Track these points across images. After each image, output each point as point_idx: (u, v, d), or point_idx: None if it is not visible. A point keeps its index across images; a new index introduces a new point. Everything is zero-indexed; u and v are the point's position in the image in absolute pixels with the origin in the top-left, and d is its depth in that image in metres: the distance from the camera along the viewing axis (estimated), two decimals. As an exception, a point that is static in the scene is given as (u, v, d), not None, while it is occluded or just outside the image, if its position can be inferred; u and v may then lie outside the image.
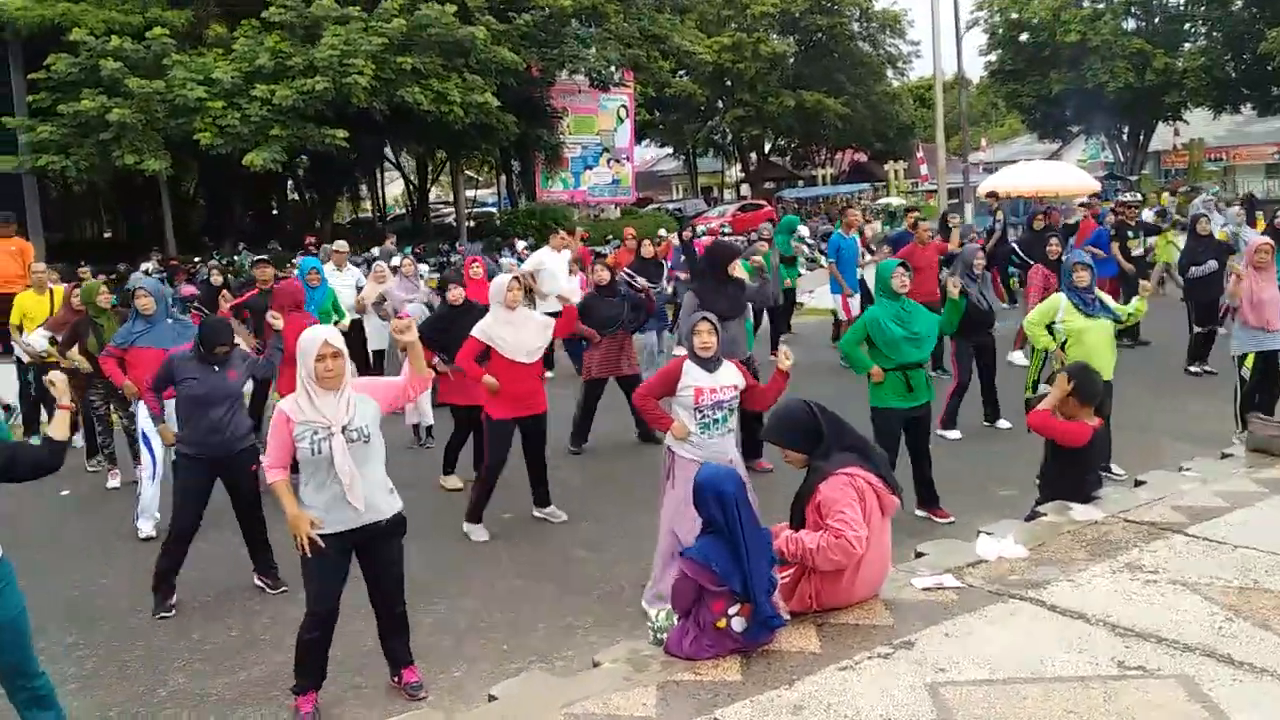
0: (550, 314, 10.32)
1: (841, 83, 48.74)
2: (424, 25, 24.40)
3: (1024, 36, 40.39)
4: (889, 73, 54.18)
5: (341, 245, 12.50)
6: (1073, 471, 5.13)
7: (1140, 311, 7.24)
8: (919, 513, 6.42)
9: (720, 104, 48.08)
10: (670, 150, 57.47)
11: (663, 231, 24.63)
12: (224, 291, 10.66)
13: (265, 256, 11.07)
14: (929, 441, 6.50)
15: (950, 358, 9.22)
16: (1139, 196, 15.96)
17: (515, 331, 6.54)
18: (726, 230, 33.31)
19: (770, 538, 3.74)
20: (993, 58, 42.63)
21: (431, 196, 47.40)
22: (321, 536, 4.14)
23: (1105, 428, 6.87)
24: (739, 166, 57.09)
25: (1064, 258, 7.50)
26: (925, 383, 6.40)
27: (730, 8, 45.67)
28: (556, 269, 12.16)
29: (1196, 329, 10.68)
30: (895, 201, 33.21)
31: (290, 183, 38.80)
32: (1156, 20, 38.60)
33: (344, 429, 4.13)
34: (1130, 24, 38.64)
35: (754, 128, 48.38)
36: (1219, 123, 42.60)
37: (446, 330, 7.47)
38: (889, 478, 3.95)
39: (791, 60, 49.29)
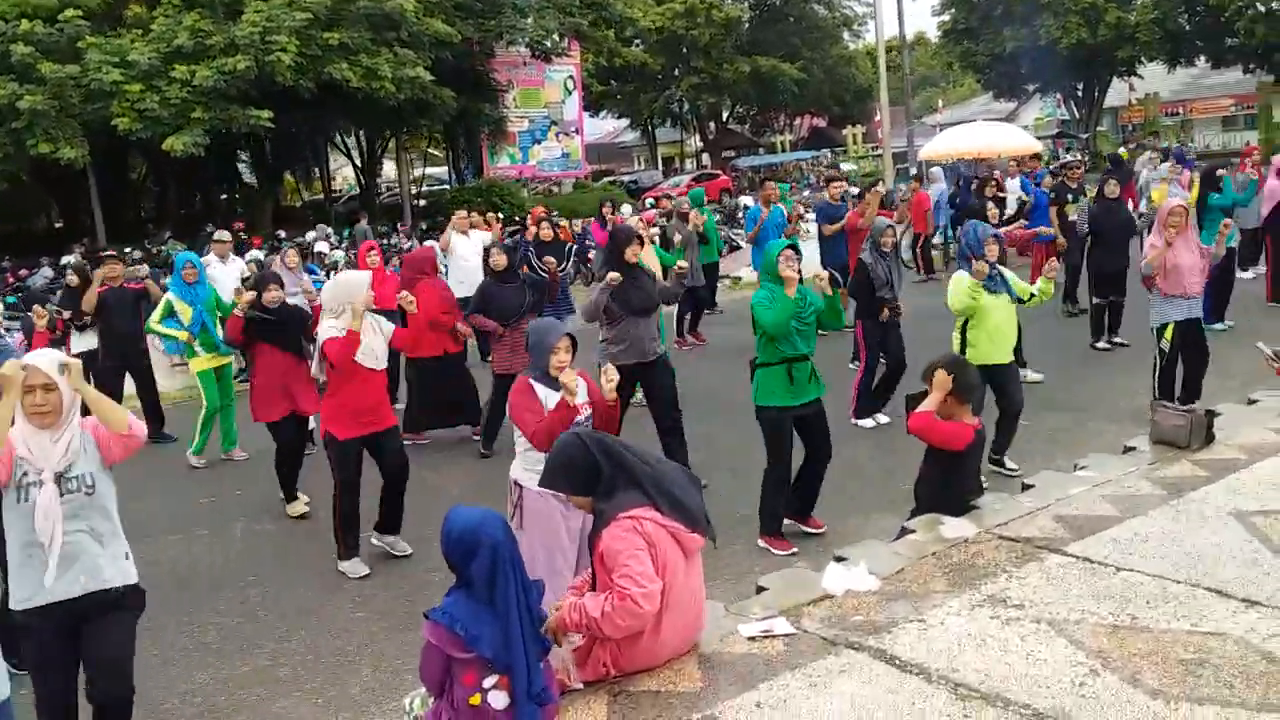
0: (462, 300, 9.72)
1: (797, 47, 47.99)
2: (350, -1, 23.55)
3: (977, -5, 39.71)
4: (845, 35, 53.43)
5: (223, 235, 11.77)
6: (951, 479, 4.58)
7: (1046, 294, 6.71)
8: (787, 521, 5.82)
9: (676, 72, 47.16)
10: (628, 122, 56.47)
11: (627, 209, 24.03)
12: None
13: (113, 251, 10.35)
14: (827, 441, 5.83)
15: (857, 340, 8.61)
16: (1081, 157, 15.35)
17: (364, 336, 5.79)
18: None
19: (540, 593, 3.14)
20: (946, 17, 41.92)
21: (389, 175, 46.49)
22: (33, 612, 3.48)
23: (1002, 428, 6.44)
24: (698, 136, 56.24)
25: (965, 229, 6.85)
26: (812, 377, 5.71)
27: (683, -28, 44.65)
28: (467, 254, 11.43)
29: (1095, 300, 10.11)
30: (848, 167, 32.63)
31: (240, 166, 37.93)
32: (1109, -26, 37.92)
33: (59, 477, 3.47)
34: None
35: (710, 95, 47.51)
36: (1175, 77, 42.11)
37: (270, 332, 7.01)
38: (691, 512, 3.33)
39: (746, 25, 48.45)
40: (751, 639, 3.50)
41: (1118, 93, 42.52)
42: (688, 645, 3.41)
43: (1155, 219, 7.48)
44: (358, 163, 36.93)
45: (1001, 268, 6.67)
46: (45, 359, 3.49)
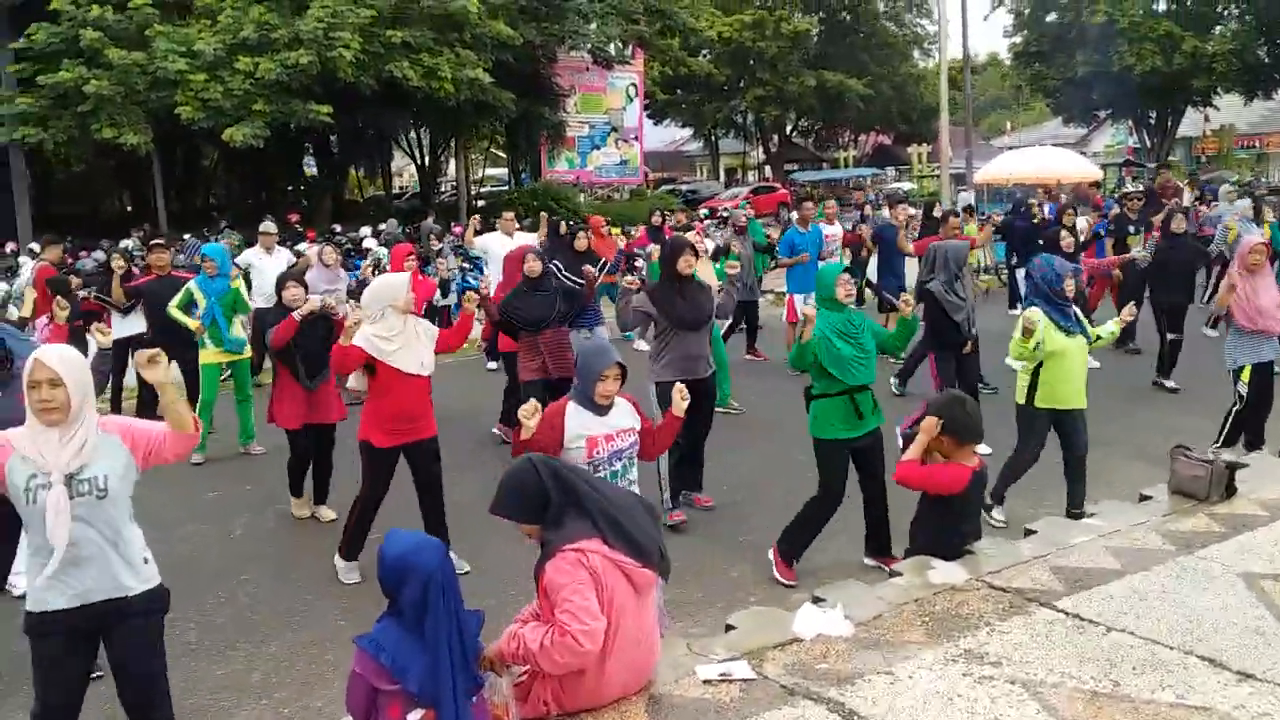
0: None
1: (865, 63, 47.57)
2: (414, -2, 23.72)
3: (1051, 17, 39.00)
4: (915, 53, 52.84)
5: (268, 226, 11.82)
6: (946, 521, 4.38)
7: (1113, 336, 6.40)
8: (868, 561, 5.53)
9: (741, 84, 46.92)
10: (691, 131, 56.33)
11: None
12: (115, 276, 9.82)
13: (161, 240, 10.37)
14: (884, 473, 5.57)
15: (931, 372, 8.25)
16: (1139, 189, 14.81)
17: (406, 340, 5.60)
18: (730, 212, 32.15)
19: (479, 624, 3.02)
20: (1018, 39, 41.25)
21: (454, 174, 46.80)
22: (40, 617, 3.33)
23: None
24: (761, 148, 55.93)
25: (1039, 264, 6.17)
26: (874, 407, 5.48)
27: (753, -15, 44.51)
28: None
29: (1170, 335, 9.74)
30: (906, 186, 32.17)
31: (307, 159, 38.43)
32: (1188, 2, 37.07)
33: (70, 478, 3.26)
34: (1161, 5, 37.17)
35: (774, 108, 47.18)
36: (1251, 109, 41.05)
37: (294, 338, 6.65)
38: (641, 545, 3.16)
39: (815, 39, 48.09)
40: (708, 682, 3.34)
41: (1192, 123, 41.54)
42: (638, 684, 3.26)
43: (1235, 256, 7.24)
44: (419, 161, 37.18)
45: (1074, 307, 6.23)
46: (53, 354, 3.31)
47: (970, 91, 29.43)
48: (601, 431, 4.13)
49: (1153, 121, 40.14)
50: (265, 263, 11.13)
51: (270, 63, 22.02)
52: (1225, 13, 37.27)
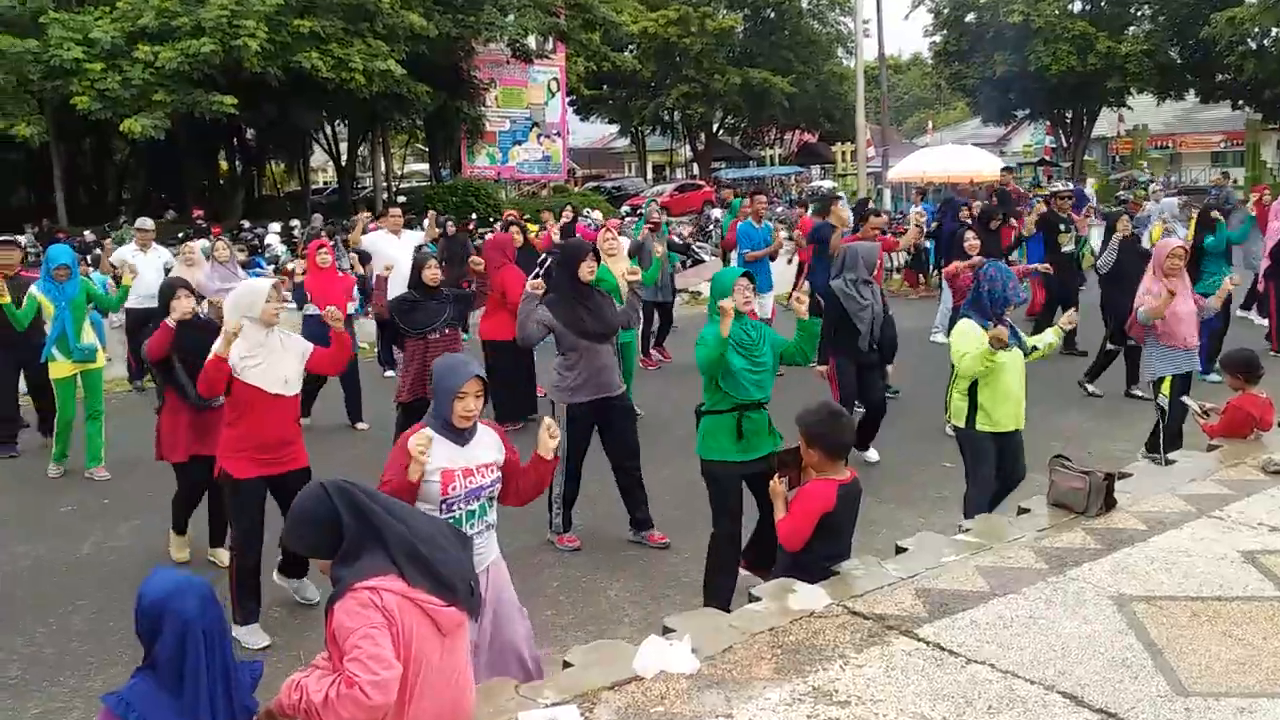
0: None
1: (789, 61, 47.65)
2: (324, -14, 23.10)
3: (970, 17, 39.43)
4: (839, 51, 53.05)
5: (144, 223, 11.25)
6: (815, 540, 4.11)
7: (1053, 348, 5.90)
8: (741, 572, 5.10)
9: (667, 80, 46.73)
10: (618, 127, 56.05)
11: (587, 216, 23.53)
12: None
13: (11, 238, 9.78)
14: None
15: (829, 376, 7.87)
16: (1069, 188, 14.81)
17: (268, 355, 5.02)
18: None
19: (254, 679, 2.67)
20: (938, 38, 41.66)
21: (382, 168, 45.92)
22: None
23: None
24: (688, 145, 55.83)
25: (992, 275, 5.62)
26: (767, 428, 5.05)
27: (677, -20, 44.30)
28: (397, 257, 10.83)
29: (1110, 346, 9.54)
30: (827, 184, 32.25)
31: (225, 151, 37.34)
32: (1103, 3, 37.73)
33: None
34: (1076, 6, 37.78)
35: (700, 105, 47.06)
36: (1166, 110, 41.97)
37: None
38: (447, 581, 2.82)
39: (740, 36, 48.06)
40: (528, 729, 3.03)
41: (1108, 123, 42.31)
42: (448, 735, 2.94)
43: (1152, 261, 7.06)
44: (335, 155, 36.36)
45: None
46: None
47: (887, 90, 29.53)
48: (460, 465, 3.69)
49: (1069, 121, 40.80)
50: (140, 261, 10.58)
51: (171, 51, 21.30)
52: (1139, 14, 37.98)
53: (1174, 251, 6.83)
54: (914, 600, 3.80)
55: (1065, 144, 41.02)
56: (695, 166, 54.02)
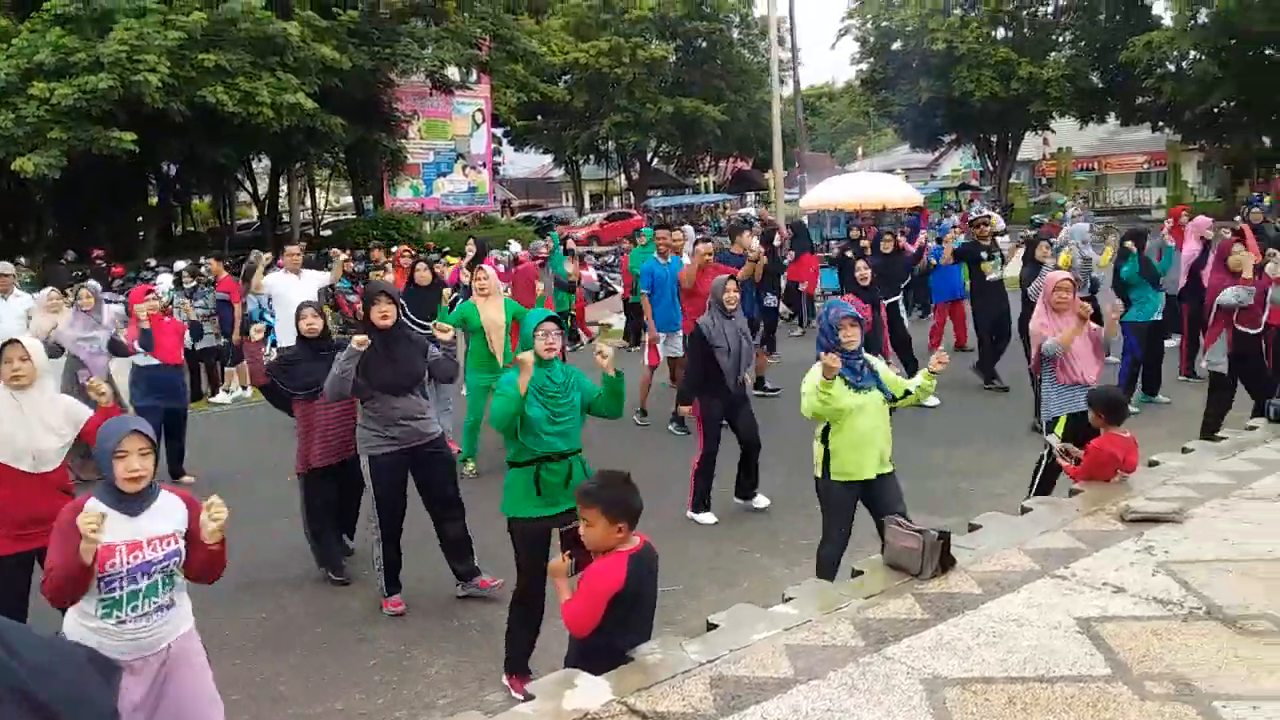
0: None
1: (721, 90, 47.80)
2: (230, 19, 22.51)
3: (896, 45, 39.73)
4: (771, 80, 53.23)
5: (4, 268, 10.61)
6: (608, 621, 3.66)
7: (926, 391, 5.51)
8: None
9: (601, 110, 46.60)
10: (552, 157, 55.85)
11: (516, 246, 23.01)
12: None
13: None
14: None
15: (695, 420, 7.43)
16: (985, 212, 14.52)
17: (15, 424, 4.51)
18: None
19: None
20: (864, 66, 41.93)
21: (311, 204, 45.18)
22: None
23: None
24: (623, 175, 55.77)
25: (825, 308, 5.46)
26: (567, 481, 4.68)
27: (608, 11, 44.26)
28: (297, 298, 10.08)
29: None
30: (752, 212, 32.09)
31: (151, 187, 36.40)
32: (1025, 30, 38.21)
33: None
34: (1000, 33, 38.21)
35: (633, 134, 47.02)
36: (1090, 133, 42.55)
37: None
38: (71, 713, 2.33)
39: (672, 66, 48.08)
40: None
41: (1034, 146, 42.79)
42: None
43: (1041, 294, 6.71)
44: (253, 190, 35.63)
45: (871, 358, 5.45)
46: None
47: (802, 118, 29.54)
48: (124, 538, 3.26)
49: (994, 146, 41.20)
50: (1, 307, 10.00)
51: (68, 88, 20.58)
52: (1060, 39, 38.50)
53: (1059, 285, 6.47)
54: (705, 693, 3.37)
55: (991, 168, 41.38)
56: (632, 195, 53.88)
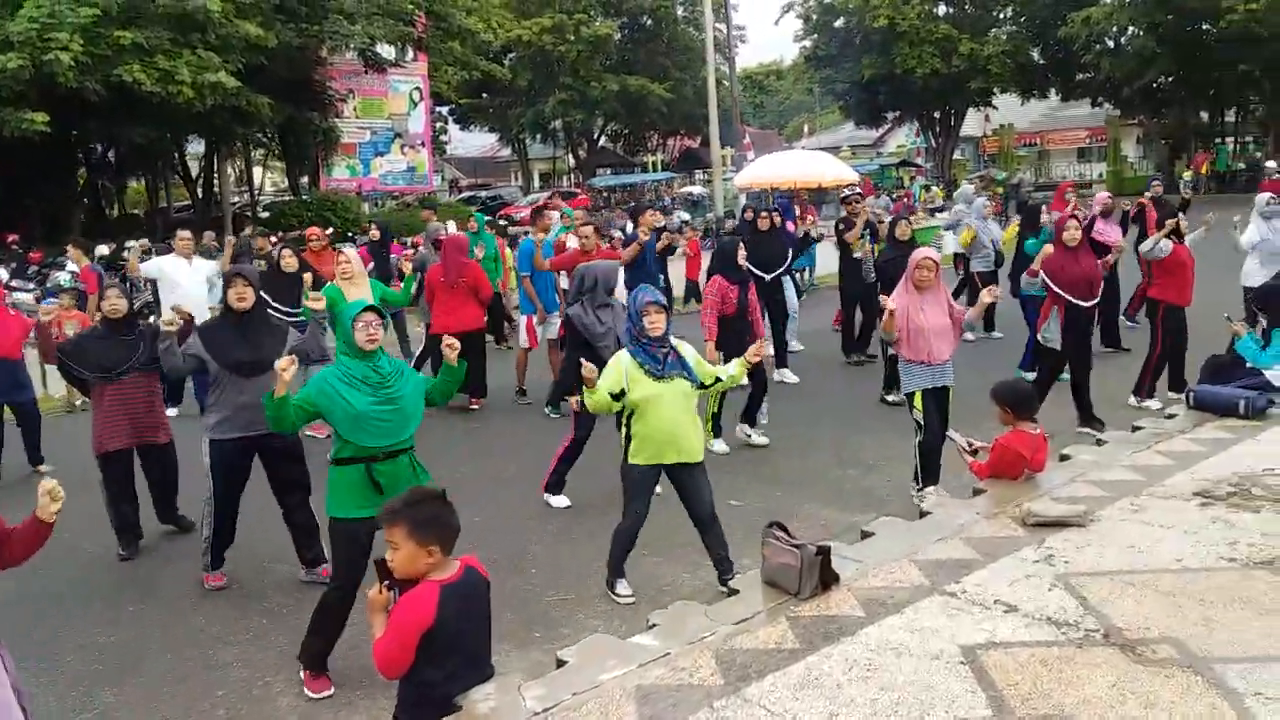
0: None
1: (667, 67, 47.22)
2: (148, -5, 21.66)
3: (839, 22, 39.42)
4: (717, 58, 52.68)
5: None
6: (428, 666, 3.21)
7: (737, 380, 5.35)
8: None
9: (545, 88, 45.87)
10: (498, 136, 55.06)
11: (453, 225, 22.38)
12: None
13: None
14: None
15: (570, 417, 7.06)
16: (856, 191, 13.87)
17: None
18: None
19: None
20: (808, 43, 41.60)
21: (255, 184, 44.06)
22: None
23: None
24: (570, 154, 55.16)
25: (633, 293, 5.21)
26: (410, 477, 4.39)
27: (552, -12, 43.51)
28: (186, 283, 9.66)
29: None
30: (697, 190, 31.77)
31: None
32: (966, 6, 38.08)
33: None
34: (941, 9, 38.04)
35: (579, 112, 46.39)
36: (1033, 109, 42.59)
37: None
38: None
39: (617, 44, 47.44)
40: None
41: (978, 123, 42.78)
42: None
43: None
44: (184, 171, 34.64)
45: (679, 343, 5.21)
46: None
47: (738, 94, 29.14)
48: None
49: (937, 122, 41.11)
50: None
51: (-27, 67, 19.64)
52: (1000, 16, 38.42)
53: (922, 263, 6.15)
54: (539, 745, 2.99)
55: (935, 144, 41.30)
56: (579, 174, 53.28)
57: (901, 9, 35.27)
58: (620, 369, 5.02)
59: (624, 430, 5.13)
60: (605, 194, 40.17)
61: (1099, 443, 5.87)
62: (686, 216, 27.08)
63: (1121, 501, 4.77)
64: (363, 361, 4.36)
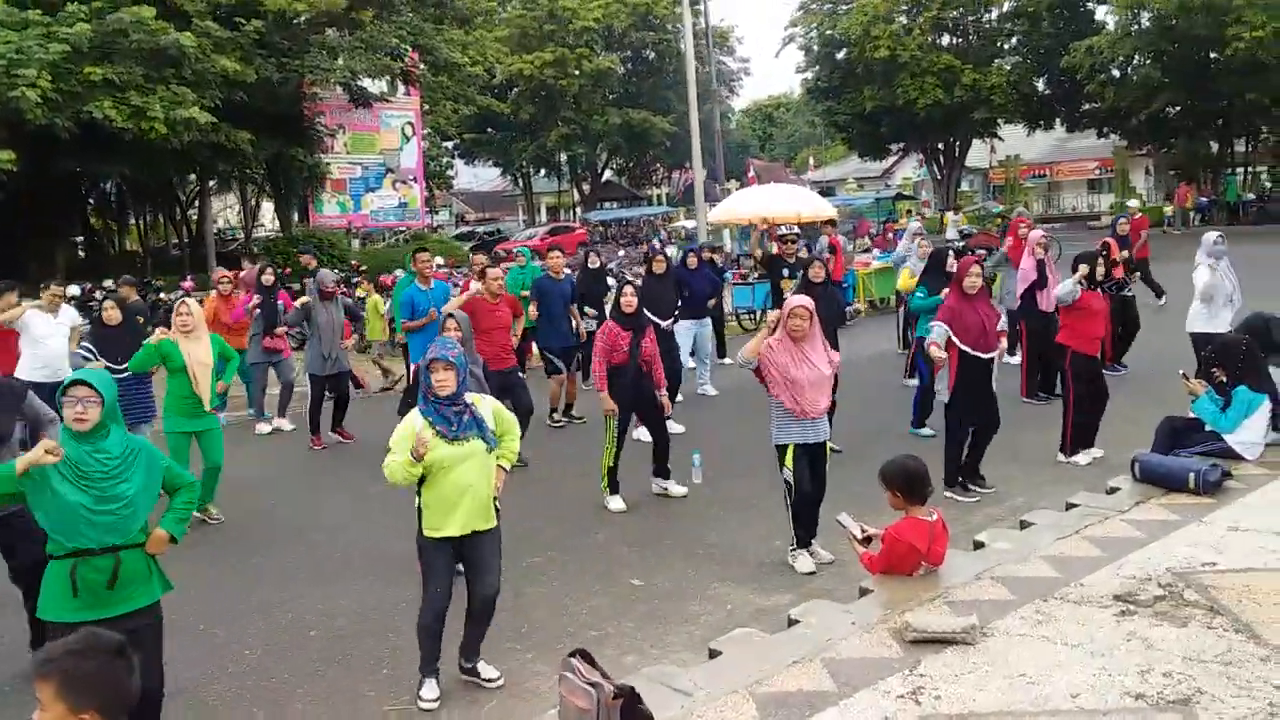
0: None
1: (670, 100, 46.84)
2: (120, 30, 21.24)
3: (841, 54, 38.86)
4: (722, 91, 52.33)
5: None
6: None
7: (509, 460, 4.71)
8: None
9: (548, 122, 45.56)
10: (501, 170, 54.83)
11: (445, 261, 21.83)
12: None
13: None
14: (158, 680, 3.83)
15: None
16: (795, 231, 12.89)
17: None
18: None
19: None
20: (809, 75, 41.07)
21: (265, 219, 43.76)
22: None
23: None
24: (575, 188, 54.82)
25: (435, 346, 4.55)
26: (122, 580, 3.70)
27: (552, 21, 43.22)
28: (50, 334, 8.94)
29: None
30: (689, 224, 31.15)
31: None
32: (970, 37, 37.48)
33: None
34: (944, 40, 37.46)
35: (581, 146, 46.13)
36: (1041, 139, 41.87)
37: None
38: None
39: (620, 78, 47.11)
40: None
41: (983, 154, 42.09)
42: None
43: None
44: (168, 210, 34.31)
45: (476, 398, 4.58)
46: None
47: (718, 126, 28.53)
48: None
49: (941, 153, 40.42)
50: None
51: (-62, 105, 19.27)
52: (1004, 46, 37.81)
53: (794, 311, 5.58)
54: None
55: (939, 176, 40.57)
56: (584, 208, 52.91)
57: (903, 40, 34.72)
58: (412, 430, 4.36)
59: (418, 498, 4.50)
60: (601, 227, 39.60)
61: (1023, 525, 5.09)
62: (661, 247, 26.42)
63: (1026, 608, 4.00)
64: (80, 444, 3.62)
